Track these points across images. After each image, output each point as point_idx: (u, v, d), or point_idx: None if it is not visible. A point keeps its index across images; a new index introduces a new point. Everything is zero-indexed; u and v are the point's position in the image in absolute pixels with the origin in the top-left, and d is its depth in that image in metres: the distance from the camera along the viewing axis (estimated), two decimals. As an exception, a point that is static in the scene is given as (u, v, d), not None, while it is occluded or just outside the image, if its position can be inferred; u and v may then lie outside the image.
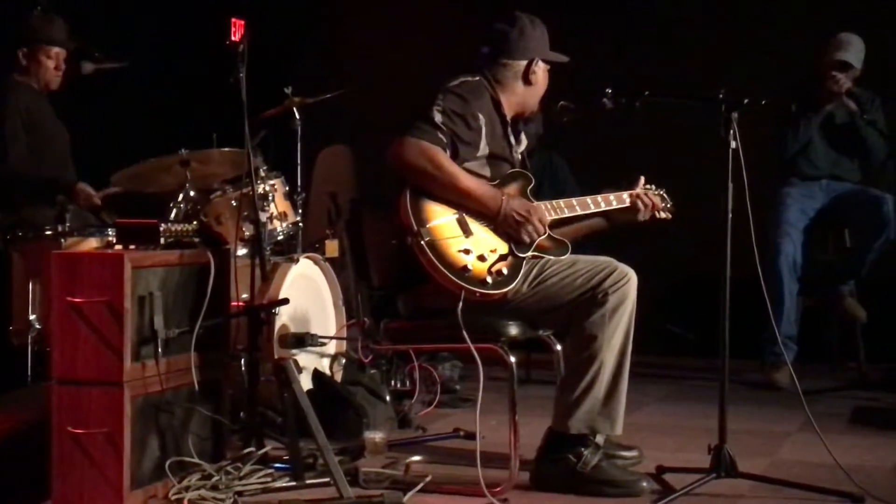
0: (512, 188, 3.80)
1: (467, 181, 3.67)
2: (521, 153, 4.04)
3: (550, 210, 3.83)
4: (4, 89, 5.15)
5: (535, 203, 3.78)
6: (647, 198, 4.07)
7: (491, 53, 3.92)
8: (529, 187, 3.85)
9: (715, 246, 3.69)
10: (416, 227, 3.57)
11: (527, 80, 3.92)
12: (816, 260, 6.04)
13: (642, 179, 4.11)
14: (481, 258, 3.62)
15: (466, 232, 3.66)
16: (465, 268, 3.57)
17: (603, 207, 4.00)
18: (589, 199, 3.97)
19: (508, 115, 3.93)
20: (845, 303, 6.04)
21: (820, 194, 5.96)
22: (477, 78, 3.86)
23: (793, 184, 5.95)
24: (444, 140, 3.65)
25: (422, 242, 3.55)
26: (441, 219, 3.64)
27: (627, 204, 4.05)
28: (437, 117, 3.66)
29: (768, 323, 4.58)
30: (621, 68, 6.53)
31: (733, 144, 3.65)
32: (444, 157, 3.63)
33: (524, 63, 3.91)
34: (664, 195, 4.19)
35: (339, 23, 7.85)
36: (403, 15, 7.69)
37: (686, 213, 4.29)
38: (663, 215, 4.17)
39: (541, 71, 3.94)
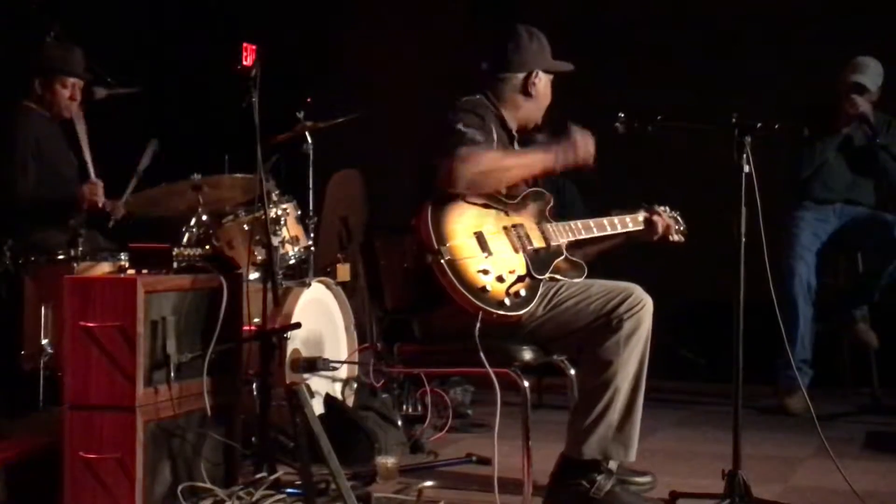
0: (532, 208, 3.81)
1: (520, 158, 3.80)
2: None
3: (568, 232, 3.83)
4: (15, 117, 5.15)
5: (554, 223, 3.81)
6: (662, 219, 4.09)
7: (490, 69, 3.93)
8: (548, 207, 3.86)
9: (728, 270, 3.68)
10: (436, 246, 3.55)
11: (526, 92, 3.92)
12: (828, 284, 6.01)
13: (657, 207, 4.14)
14: (500, 279, 3.59)
15: (486, 251, 3.62)
16: (483, 288, 3.54)
17: (619, 229, 4.01)
18: (605, 221, 3.99)
19: (513, 129, 3.95)
20: (857, 328, 6.00)
21: (833, 218, 5.93)
22: (478, 97, 3.88)
23: (806, 207, 5.92)
24: (479, 138, 3.67)
25: (441, 261, 3.52)
26: (461, 238, 3.61)
27: (642, 226, 4.08)
28: (462, 128, 3.67)
29: (782, 347, 4.56)
30: (633, 92, 6.52)
31: (746, 169, 3.65)
32: (485, 153, 3.65)
33: (522, 75, 3.91)
34: (678, 217, 4.20)
35: (350, 48, 7.86)
36: (415, 40, 7.70)
37: (698, 236, 4.28)
38: (676, 238, 4.18)
39: (541, 83, 3.94)
